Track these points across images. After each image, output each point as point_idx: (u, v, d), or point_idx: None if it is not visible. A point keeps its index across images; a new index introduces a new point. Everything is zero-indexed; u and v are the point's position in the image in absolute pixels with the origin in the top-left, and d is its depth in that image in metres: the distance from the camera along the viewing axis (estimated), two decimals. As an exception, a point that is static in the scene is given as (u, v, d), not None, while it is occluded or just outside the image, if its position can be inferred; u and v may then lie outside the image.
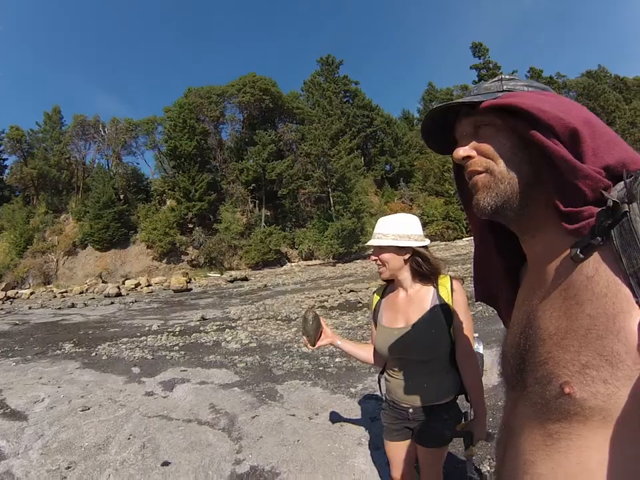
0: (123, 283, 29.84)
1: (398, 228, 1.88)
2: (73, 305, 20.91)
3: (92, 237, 36.79)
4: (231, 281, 27.46)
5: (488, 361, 3.82)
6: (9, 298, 28.33)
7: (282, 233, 37.97)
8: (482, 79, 51.19)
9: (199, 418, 4.53)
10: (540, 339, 0.64)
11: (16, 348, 10.06)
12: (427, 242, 1.91)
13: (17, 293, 30.40)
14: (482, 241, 0.94)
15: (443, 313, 1.85)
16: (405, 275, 1.94)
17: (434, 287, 1.91)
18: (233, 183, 41.49)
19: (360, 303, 12.19)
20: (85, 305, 21.07)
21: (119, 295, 25.11)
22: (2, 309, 22.99)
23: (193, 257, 36.03)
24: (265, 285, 22.84)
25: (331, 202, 38.34)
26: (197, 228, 37.04)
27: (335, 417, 4.07)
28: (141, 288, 28.55)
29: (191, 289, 25.34)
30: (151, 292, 26.63)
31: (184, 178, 37.46)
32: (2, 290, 31.19)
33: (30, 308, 22.08)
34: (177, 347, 8.37)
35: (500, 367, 0.80)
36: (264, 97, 42.67)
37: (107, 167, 45.29)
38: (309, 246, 37.10)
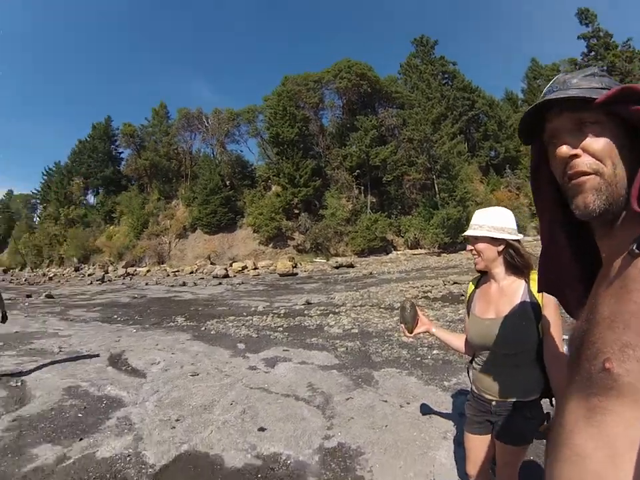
0: (231, 265, 31.56)
1: (493, 220, 1.93)
2: (184, 284, 22.76)
3: (201, 221, 39.74)
4: (337, 267, 27.80)
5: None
6: (128, 274, 32.95)
7: (387, 220, 37.47)
8: (592, 49, 45.96)
9: (296, 394, 4.78)
10: (596, 321, 0.68)
11: (136, 317, 11.52)
12: (520, 236, 1.94)
13: (135, 270, 35.09)
14: (553, 237, 0.93)
15: (532, 308, 1.84)
16: (498, 267, 1.96)
17: (525, 281, 1.91)
18: (337, 169, 41.43)
19: (463, 295, 11.69)
20: (195, 284, 22.72)
21: (226, 276, 26.62)
22: (123, 283, 26.52)
23: (299, 242, 36.95)
24: (371, 273, 22.79)
25: (436, 189, 37.12)
26: (303, 213, 37.87)
27: (425, 408, 4.04)
28: (248, 271, 30.03)
29: (297, 274, 26.10)
30: (257, 275, 27.83)
31: (288, 164, 38.25)
32: (123, 267, 36.09)
33: (146, 284, 24.83)
34: (280, 328, 8.72)
35: (567, 350, 0.84)
36: (361, 81, 42.05)
37: (212, 155, 48.34)
38: (415, 234, 36.33)
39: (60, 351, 7.46)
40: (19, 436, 3.97)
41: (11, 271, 48.54)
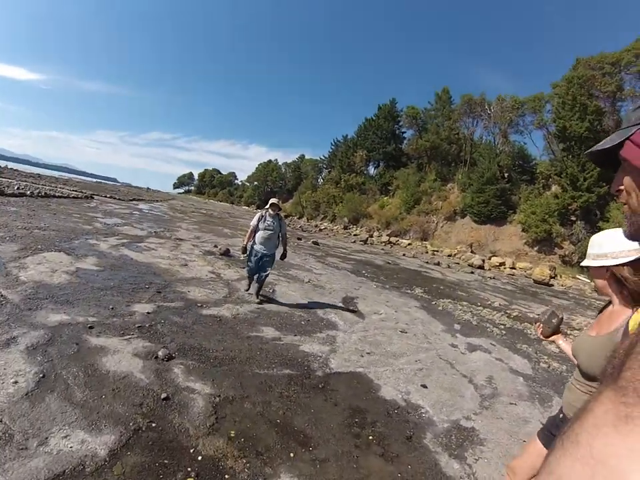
0: (489, 259, 30.70)
1: (594, 247, 1.95)
2: (438, 263, 23.52)
3: (472, 209, 39.16)
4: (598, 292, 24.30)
5: None
6: (390, 242, 36.46)
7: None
8: None
9: (472, 378, 5.30)
10: None
11: (381, 278, 13.34)
12: (625, 259, 1.79)
13: (398, 240, 38.29)
14: None
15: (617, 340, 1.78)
16: (613, 294, 1.92)
17: (634, 312, 1.75)
18: (630, 177, 34.04)
19: None
20: (448, 266, 23.16)
21: (481, 267, 26.24)
22: (382, 249, 29.38)
23: (566, 253, 33.06)
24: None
25: None
26: (579, 222, 33.30)
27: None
28: (504, 268, 28.83)
29: (552, 285, 24.08)
30: (512, 274, 26.59)
31: (572, 164, 33.49)
32: (387, 235, 39.64)
33: (403, 255, 26.69)
34: (502, 326, 8.81)
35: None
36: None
37: (493, 144, 46.07)
38: None
39: (308, 281, 9.98)
40: (256, 317, 6.26)
41: (290, 217, 59.85)
